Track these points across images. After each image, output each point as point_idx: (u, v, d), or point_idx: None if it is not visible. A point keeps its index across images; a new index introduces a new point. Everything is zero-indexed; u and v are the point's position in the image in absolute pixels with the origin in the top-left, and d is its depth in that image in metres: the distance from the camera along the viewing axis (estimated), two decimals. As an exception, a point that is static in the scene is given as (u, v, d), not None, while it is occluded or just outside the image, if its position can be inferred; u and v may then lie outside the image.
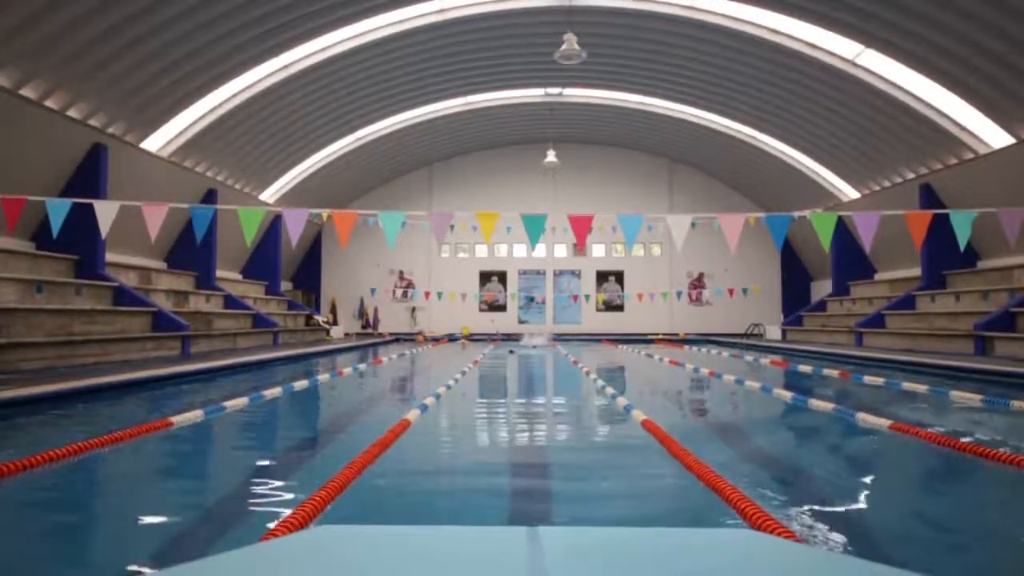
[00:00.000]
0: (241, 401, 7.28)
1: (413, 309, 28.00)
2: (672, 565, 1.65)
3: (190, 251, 17.38)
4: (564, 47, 13.66)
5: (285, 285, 26.03)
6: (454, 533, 2.05)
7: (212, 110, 16.53)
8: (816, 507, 3.64)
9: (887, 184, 19.66)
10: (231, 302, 18.56)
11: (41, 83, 11.89)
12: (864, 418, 6.22)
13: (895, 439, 5.61)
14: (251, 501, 3.85)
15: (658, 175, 28.25)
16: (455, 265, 28.52)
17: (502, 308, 28.31)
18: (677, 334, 26.71)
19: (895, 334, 17.02)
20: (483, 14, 16.39)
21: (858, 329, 18.44)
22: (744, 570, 1.64)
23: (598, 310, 28.23)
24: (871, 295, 20.81)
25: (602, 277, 28.51)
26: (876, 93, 16.36)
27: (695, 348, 20.71)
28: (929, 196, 17.63)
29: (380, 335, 25.99)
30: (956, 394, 7.97)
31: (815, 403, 7.42)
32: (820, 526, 3.29)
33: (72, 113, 12.91)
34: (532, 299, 28.26)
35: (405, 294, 27.77)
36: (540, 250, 27.59)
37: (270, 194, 22.41)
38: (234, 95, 16.54)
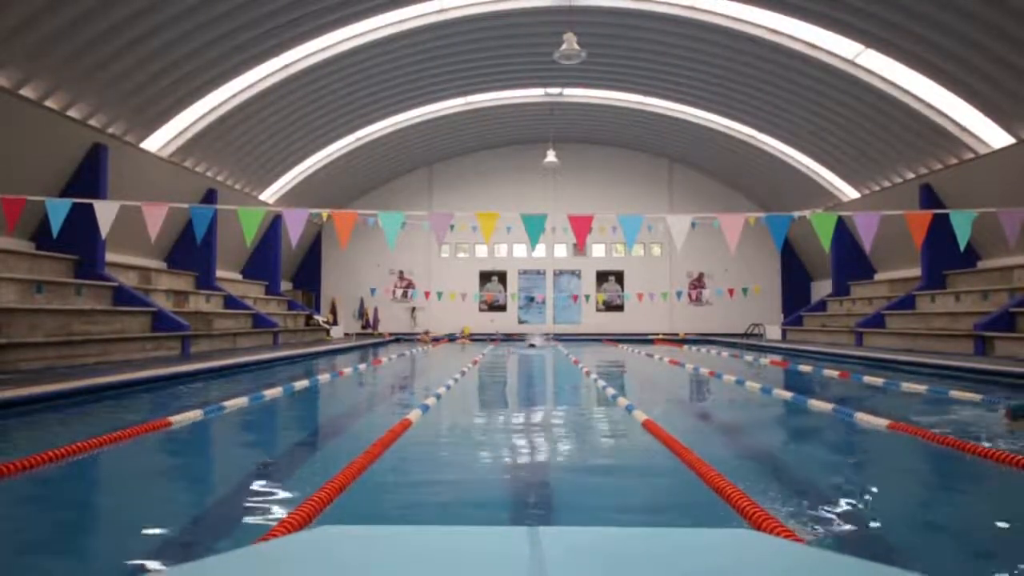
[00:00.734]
0: (241, 401, 7.28)
1: (413, 309, 28.00)
2: (672, 565, 1.65)
3: (190, 251, 17.38)
4: (564, 47, 13.66)
5: (285, 285, 26.03)
6: (454, 533, 2.05)
7: (212, 110, 16.53)
8: (816, 507, 3.64)
9: (887, 184, 19.66)
10: (231, 302, 18.56)
11: (41, 83, 11.89)
12: (863, 418, 6.22)
13: (894, 439, 5.61)
14: (251, 501, 3.85)
15: (658, 175, 28.25)
16: (455, 265, 28.52)
17: (502, 308, 28.31)
18: (677, 334, 26.71)
19: (895, 334, 17.02)
20: (483, 14, 16.39)
21: (858, 329, 18.44)
22: (744, 570, 1.64)
23: (598, 310, 28.23)
24: (871, 295, 20.81)
25: (602, 277, 28.51)
26: (876, 93, 16.36)
27: (695, 348, 20.72)
28: (929, 196, 17.63)
29: (380, 335, 25.99)
30: (956, 394, 7.97)
31: (815, 403, 7.42)
32: (820, 526, 3.29)
33: (72, 113, 12.91)
34: (532, 299, 28.26)
35: (405, 294, 27.77)
36: (540, 250, 27.58)
37: (270, 194, 22.41)
38: (234, 95, 16.54)
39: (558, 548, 1.74)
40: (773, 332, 23.99)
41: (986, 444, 4.99)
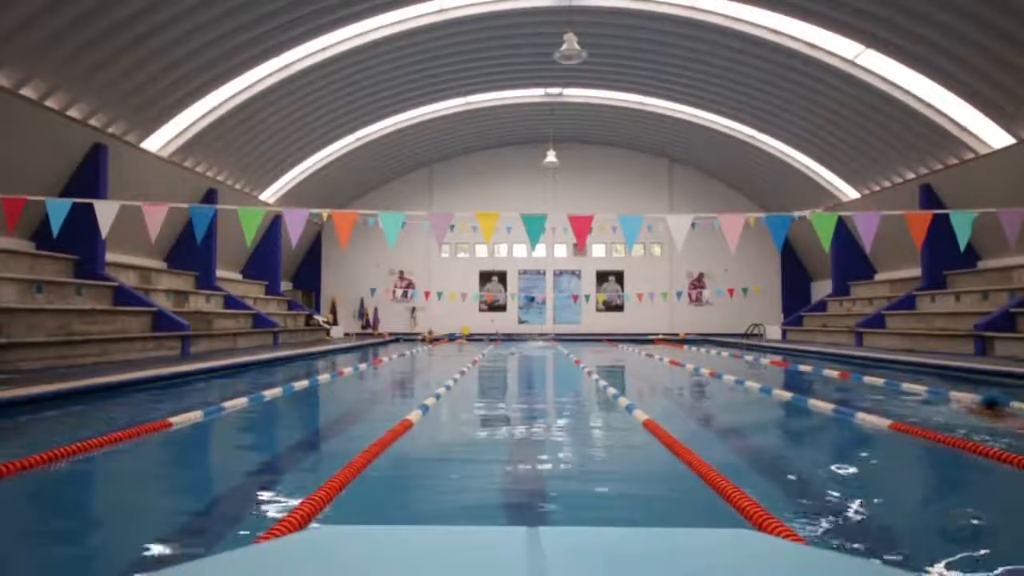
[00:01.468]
0: (241, 401, 7.28)
1: (413, 309, 28.00)
2: (672, 565, 1.65)
3: (190, 251, 17.38)
4: (564, 47, 13.66)
5: (285, 285, 26.03)
6: (454, 533, 2.05)
7: (212, 110, 16.54)
8: (816, 507, 3.64)
9: (887, 184, 19.66)
10: (231, 302, 18.56)
11: (41, 83, 11.89)
12: (864, 418, 6.22)
13: (895, 439, 5.61)
14: (250, 501, 3.85)
15: (658, 175, 28.26)
16: (455, 265, 28.52)
17: (502, 308, 28.31)
18: (677, 334, 26.71)
19: (895, 334, 17.01)
20: (483, 14, 16.39)
21: (858, 329, 18.44)
22: (744, 570, 1.64)
23: (598, 310, 28.23)
24: (871, 295, 20.81)
25: (602, 277, 28.51)
26: (876, 93, 16.36)
27: (695, 348, 20.71)
28: (929, 196, 17.62)
29: (380, 335, 25.99)
30: (956, 394, 7.97)
31: (815, 403, 7.42)
32: (820, 526, 3.29)
33: (72, 113, 12.91)
34: (532, 299, 28.26)
35: (405, 294, 27.78)
36: (540, 250, 27.60)
37: (270, 194, 22.41)
38: (234, 95, 16.55)
39: (558, 548, 1.73)
40: (773, 332, 23.99)
41: (986, 444, 4.99)
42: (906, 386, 9.02)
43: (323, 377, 10.93)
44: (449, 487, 4.27)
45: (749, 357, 15.92)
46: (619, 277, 28.44)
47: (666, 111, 22.65)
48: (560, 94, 22.81)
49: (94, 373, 9.24)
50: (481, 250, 28.47)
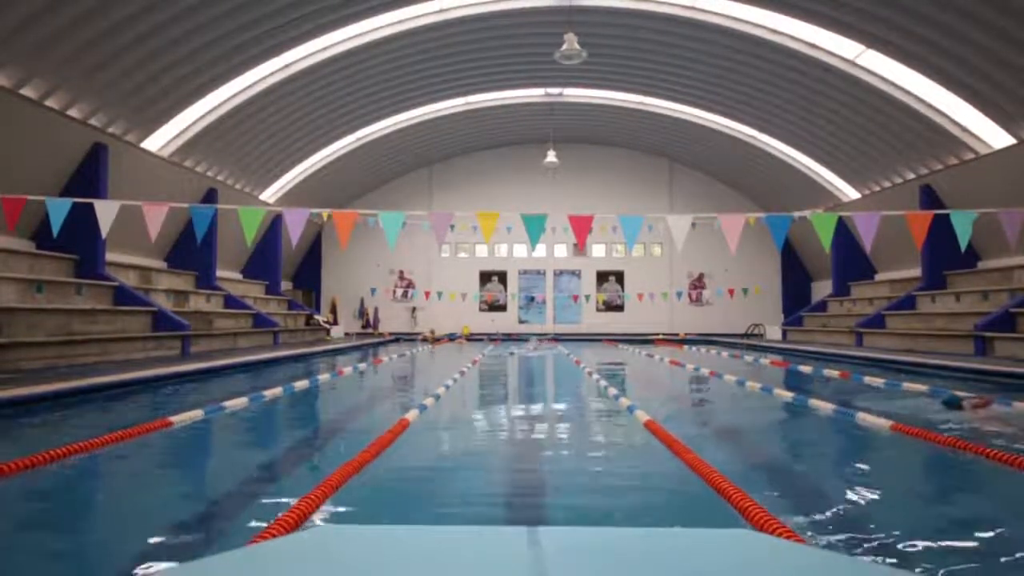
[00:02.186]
0: (241, 401, 7.28)
1: (413, 309, 28.00)
2: (672, 565, 1.65)
3: (190, 251, 17.38)
4: (564, 47, 13.66)
5: (285, 285, 26.03)
6: (454, 533, 2.05)
7: (212, 110, 16.54)
8: (817, 507, 3.64)
9: (887, 184, 19.65)
10: (231, 302, 18.56)
11: (41, 83, 11.89)
12: (864, 418, 6.22)
13: (895, 439, 5.60)
14: (250, 501, 3.85)
15: (658, 175, 28.25)
16: (455, 265, 28.52)
17: (502, 308, 28.32)
18: (677, 334, 26.71)
19: (895, 334, 17.01)
20: (483, 14, 16.39)
21: (858, 329, 18.43)
22: (744, 570, 1.64)
23: (598, 310, 28.23)
24: (871, 295, 20.81)
25: (602, 277, 28.51)
26: (876, 93, 16.36)
27: (695, 348, 20.71)
28: (929, 196, 17.62)
29: (380, 335, 25.99)
30: (956, 394, 7.96)
31: (815, 403, 7.41)
32: (821, 526, 3.29)
33: (72, 113, 12.91)
34: (532, 299, 28.26)
35: (405, 294, 27.78)
36: (540, 250, 27.59)
37: (270, 194, 22.41)
38: (234, 95, 16.55)
39: (558, 548, 1.73)
40: (773, 332, 23.98)
41: (987, 445, 4.99)
42: (907, 386, 9.02)
43: (323, 377, 10.94)
44: (448, 487, 4.27)
45: (749, 357, 15.92)
46: (619, 277, 28.44)
47: (666, 111, 22.65)
48: (560, 94, 22.81)
49: (94, 373, 9.24)
50: (481, 250, 28.47)
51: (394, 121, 22.45)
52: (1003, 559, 2.93)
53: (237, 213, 8.54)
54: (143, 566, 2.79)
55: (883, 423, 5.88)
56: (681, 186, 28.13)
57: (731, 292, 22.88)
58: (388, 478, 4.33)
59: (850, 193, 21.70)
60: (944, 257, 17.12)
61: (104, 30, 11.67)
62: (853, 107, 17.46)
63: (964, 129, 15.83)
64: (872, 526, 3.39)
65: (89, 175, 13.57)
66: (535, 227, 8.74)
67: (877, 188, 20.16)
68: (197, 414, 6.30)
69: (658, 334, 26.47)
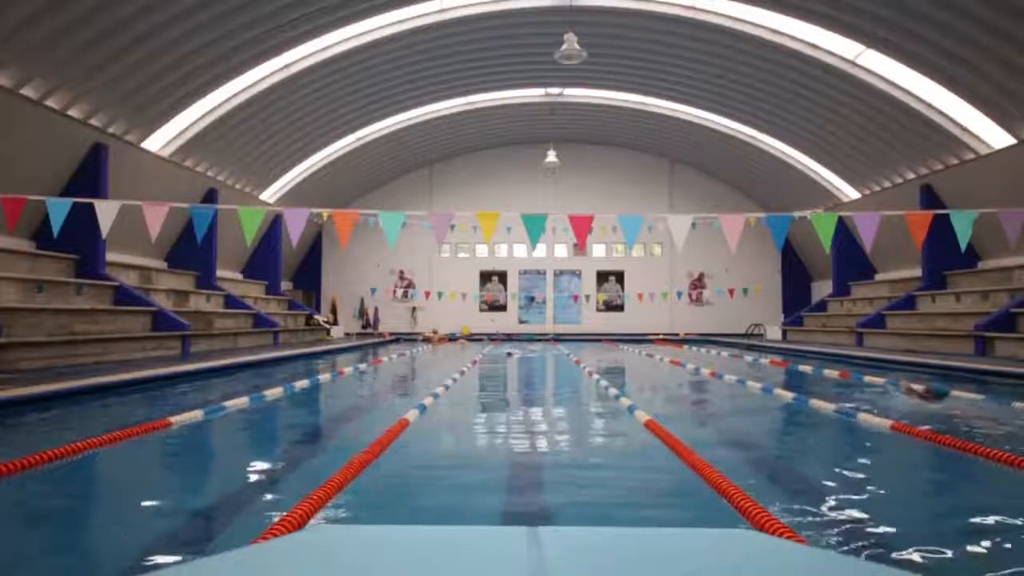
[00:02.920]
0: (241, 401, 7.28)
1: (413, 309, 28.01)
2: (672, 565, 1.65)
3: (190, 251, 17.38)
4: (564, 47, 13.66)
5: (285, 285, 26.04)
6: (454, 533, 2.05)
7: (212, 110, 16.54)
8: (817, 507, 3.64)
9: (887, 184, 19.66)
10: (231, 302, 18.56)
11: (41, 83, 11.89)
12: (864, 418, 6.22)
13: (896, 439, 5.61)
14: (250, 501, 3.85)
15: (658, 175, 28.26)
16: (455, 265, 28.52)
17: (502, 308, 28.32)
18: (677, 334, 26.71)
19: (896, 334, 17.01)
20: (483, 14, 16.39)
21: (859, 329, 18.44)
22: (744, 570, 1.64)
23: (598, 310, 28.23)
24: (871, 295, 20.81)
25: (602, 277, 28.52)
26: (876, 93, 16.36)
27: (695, 348, 20.70)
28: (929, 196, 17.62)
29: (380, 335, 25.99)
30: (956, 394, 7.97)
31: (815, 403, 7.42)
32: (821, 526, 3.29)
33: (72, 113, 12.92)
34: (532, 299, 28.27)
35: (405, 294, 27.78)
36: (540, 250, 27.59)
37: (270, 194, 22.42)
38: (234, 95, 16.55)
39: (558, 548, 1.74)
40: (773, 332, 23.99)
41: (987, 444, 4.99)
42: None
43: (323, 377, 10.94)
44: (448, 487, 4.27)
45: (749, 357, 15.92)
46: (619, 277, 28.45)
47: (666, 111, 22.65)
48: (560, 94, 22.81)
49: (94, 373, 9.24)
50: (481, 250, 28.47)
51: (394, 121, 22.45)
52: (1003, 559, 2.93)
53: (237, 213, 8.55)
54: (143, 566, 2.79)
55: (883, 422, 5.89)
56: (681, 186, 28.13)
57: (731, 292, 22.89)
58: (388, 478, 4.32)
59: (850, 193, 21.70)
60: (944, 257, 17.12)
61: (104, 30, 11.67)
62: (853, 107, 17.46)
63: (964, 129, 15.83)
64: (872, 526, 3.39)
65: (89, 175, 13.57)
66: (535, 227, 8.74)
67: (877, 188, 20.16)
68: (197, 414, 6.30)
69: (658, 334, 26.48)
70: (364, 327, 27.19)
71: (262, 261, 22.68)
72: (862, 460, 5.30)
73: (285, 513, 3.12)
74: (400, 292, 27.88)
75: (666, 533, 2.09)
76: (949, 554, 3.00)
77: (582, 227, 8.85)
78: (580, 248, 27.52)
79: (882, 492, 4.15)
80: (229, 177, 19.54)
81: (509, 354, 17.21)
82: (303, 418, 7.73)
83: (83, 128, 13.29)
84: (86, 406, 7.36)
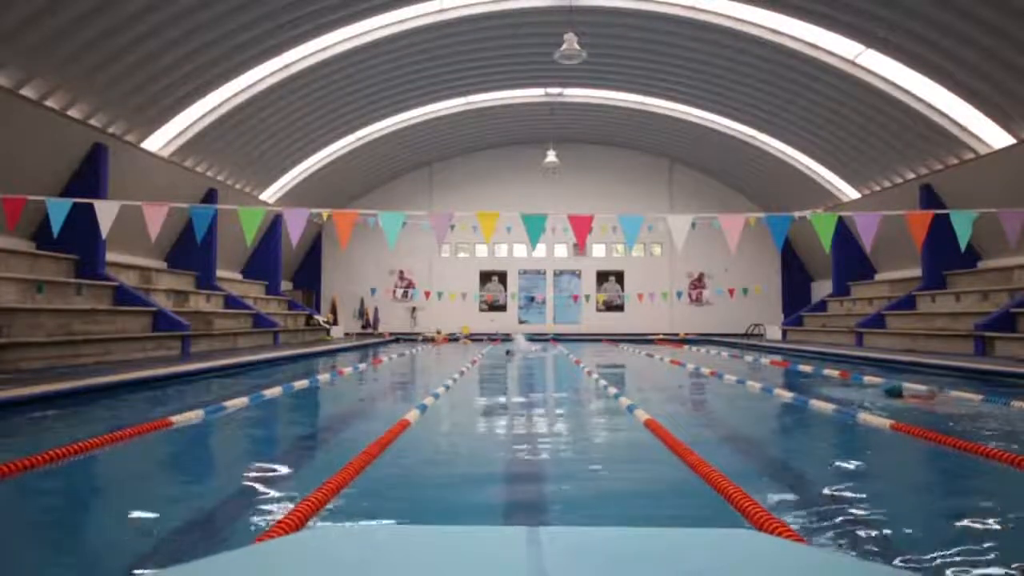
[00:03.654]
0: (241, 401, 7.28)
1: (413, 309, 28.01)
2: (672, 565, 1.65)
3: (190, 251, 17.38)
4: (564, 47, 13.66)
5: (285, 285, 26.04)
6: (454, 533, 2.05)
7: (212, 110, 16.54)
8: (817, 507, 3.64)
9: (887, 184, 19.66)
10: (231, 302, 18.56)
11: (41, 83, 11.89)
12: (865, 418, 6.22)
13: (896, 439, 5.61)
14: (250, 501, 3.85)
15: (658, 175, 28.26)
16: (455, 265, 28.52)
17: (502, 308, 28.32)
18: (677, 334, 26.71)
19: (895, 334, 17.02)
20: (483, 14, 16.40)
21: (858, 329, 18.44)
22: (744, 570, 1.64)
23: (598, 310, 28.23)
24: (871, 295, 20.81)
25: (602, 277, 28.52)
26: (876, 93, 16.36)
27: (695, 348, 20.70)
28: (929, 196, 17.63)
29: (380, 335, 25.99)
30: (956, 394, 7.97)
31: (815, 403, 7.42)
32: (820, 526, 3.29)
33: (72, 113, 12.92)
34: (532, 299, 28.27)
35: (405, 294, 27.78)
36: (540, 250, 27.59)
37: (270, 194, 22.42)
38: (234, 95, 16.55)
39: (558, 548, 1.73)
40: (773, 332, 23.99)
41: (987, 444, 4.99)
42: (906, 386, 9.01)
43: (323, 377, 10.94)
44: (448, 487, 4.27)
45: (749, 357, 15.92)
46: (619, 277, 28.45)
47: (666, 111, 22.65)
48: (560, 94, 22.81)
49: (94, 373, 9.24)
50: (481, 250, 28.47)
51: (394, 121, 22.45)
52: (1003, 559, 2.93)
53: (237, 213, 8.55)
54: (144, 566, 2.79)
55: (883, 422, 5.89)
56: (681, 186, 28.13)
57: (731, 292, 22.90)
58: (388, 478, 4.32)
59: (850, 193, 21.70)
60: (944, 257, 17.12)
61: (104, 30, 11.67)
62: (853, 107, 17.46)
63: (964, 129, 15.83)
64: (872, 526, 3.39)
65: (89, 175, 13.57)
66: (535, 227, 8.74)
67: (877, 188, 20.16)
68: (197, 414, 6.30)
69: (658, 334, 26.48)
70: (364, 327, 27.18)
71: (262, 261, 22.68)
72: (862, 460, 5.30)
73: (286, 514, 3.12)
74: (400, 292, 27.88)
75: (666, 533, 2.09)
76: (949, 554, 3.00)
77: (582, 227, 8.85)
78: (580, 248, 27.52)
79: (882, 492, 4.15)
80: (229, 177, 19.53)
81: (508, 352, 17.17)
82: (303, 418, 7.73)
83: (83, 128, 13.29)
84: (86, 406, 7.35)
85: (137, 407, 7.73)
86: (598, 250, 28.58)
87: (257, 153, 19.57)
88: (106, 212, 8.49)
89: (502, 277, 28.50)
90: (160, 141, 16.06)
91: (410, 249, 27.00)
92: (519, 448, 5.56)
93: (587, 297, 27.38)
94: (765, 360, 14.82)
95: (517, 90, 22.32)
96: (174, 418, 5.91)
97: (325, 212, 9.33)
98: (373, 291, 26.05)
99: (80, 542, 3.30)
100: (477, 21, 16.66)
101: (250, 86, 16.59)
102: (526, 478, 4.54)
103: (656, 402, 8.92)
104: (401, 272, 28.28)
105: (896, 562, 2.87)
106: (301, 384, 9.44)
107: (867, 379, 9.74)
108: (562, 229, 22.87)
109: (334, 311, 26.77)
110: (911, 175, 18.48)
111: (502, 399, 9.24)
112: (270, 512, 3.54)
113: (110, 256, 14.41)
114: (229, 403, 7.04)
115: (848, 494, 3.96)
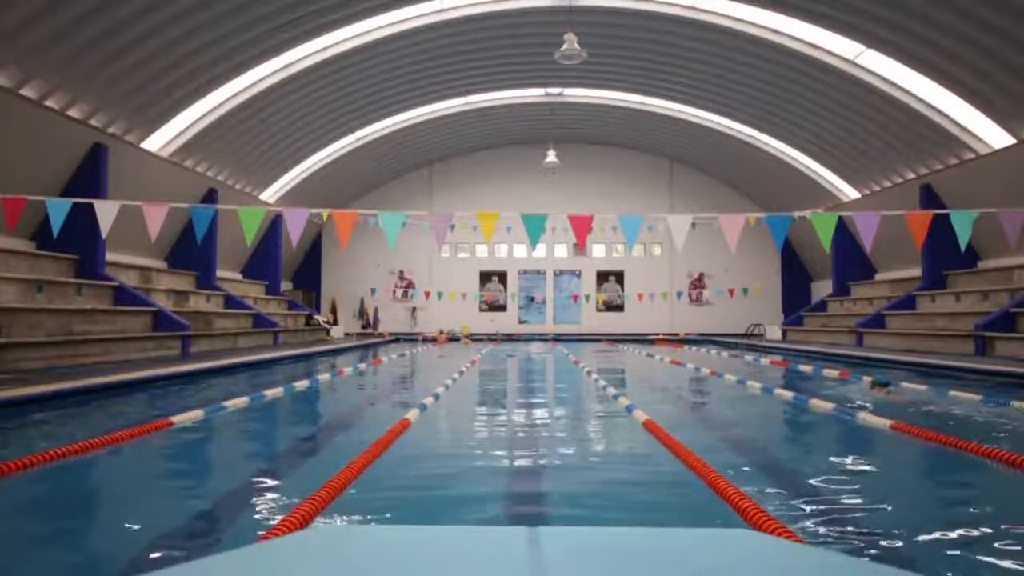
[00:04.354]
0: (241, 401, 7.28)
1: (413, 309, 28.01)
2: (672, 565, 1.65)
3: (190, 251, 17.39)
4: (564, 47, 13.66)
5: (285, 285, 26.04)
6: (454, 533, 2.05)
7: (212, 110, 16.54)
8: (817, 507, 3.64)
9: (887, 184, 19.66)
10: (231, 302, 18.56)
11: (41, 83, 11.90)
12: (865, 418, 6.22)
13: (896, 439, 5.61)
14: (251, 501, 3.85)
15: (658, 175, 28.26)
16: (455, 265, 28.52)
17: (502, 308, 28.32)
18: (677, 334, 26.72)
19: (895, 334, 17.01)
20: (483, 14, 16.40)
21: (858, 329, 18.44)
22: (744, 570, 1.64)
23: (598, 310, 28.24)
24: (871, 295, 20.81)
25: (602, 277, 28.52)
26: (876, 93, 16.36)
27: (695, 348, 20.70)
28: (929, 196, 17.63)
29: (380, 335, 25.99)
30: (956, 394, 7.98)
31: (815, 403, 7.42)
32: (820, 526, 3.29)
33: (72, 113, 12.92)
34: (532, 299, 28.27)
35: (405, 294, 27.78)
36: (540, 250, 27.60)
37: (270, 194, 22.42)
38: (234, 95, 16.55)
39: (558, 548, 1.74)
40: (773, 332, 23.99)
41: (987, 444, 4.99)
42: (906, 385, 9.03)
43: (323, 377, 10.94)
44: (448, 487, 4.27)
45: (749, 357, 15.92)
46: (619, 277, 28.45)
47: (666, 111, 22.65)
48: (560, 94, 22.81)
49: (94, 373, 9.24)
50: (481, 250, 28.48)
51: (394, 121, 22.45)
52: (1003, 559, 2.93)
53: (237, 213, 8.55)
54: (144, 566, 2.79)
55: (883, 422, 5.89)
56: (681, 186, 28.13)
57: (731, 292, 22.89)
58: (389, 477, 4.33)
59: (850, 193, 21.70)
60: (944, 257, 17.12)
61: (104, 30, 11.67)
62: (853, 107, 17.47)
63: (964, 129, 15.84)
64: (872, 526, 3.39)
65: (89, 175, 13.57)
66: (535, 227, 8.74)
67: (877, 188, 20.16)
68: (197, 414, 6.31)
69: (658, 334, 26.48)
70: (364, 327, 27.18)
71: (262, 261, 22.68)
72: (862, 460, 5.30)
73: (287, 514, 3.12)
74: (400, 292, 27.88)
75: (666, 533, 2.09)
76: (949, 554, 3.00)
77: (582, 227, 8.85)
78: (580, 248, 27.53)
79: (882, 492, 4.16)
80: (229, 177, 19.54)
81: (510, 356, 17.21)
82: (304, 418, 7.73)
83: (83, 128, 13.29)
84: (86, 406, 7.36)
85: (137, 407, 7.73)
86: (598, 250, 28.59)
87: (257, 153, 19.57)
88: (106, 212, 8.49)
89: (502, 277, 28.50)
90: (160, 141, 16.06)
91: (410, 249, 27.01)
92: (519, 448, 5.56)
93: (587, 297, 27.38)
94: (765, 360, 14.82)
95: (517, 90, 22.32)
96: (175, 418, 5.91)
97: (325, 212, 9.32)
98: (373, 291, 26.05)
99: (81, 542, 3.30)
100: (477, 21, 16.66)
101: (250, 86, 16.59)
102: (525, 478, 4.55)
103: (655, 402, 8.92)
104: (401, 272, 28.28)
105: (896, 562, 2.87)
106: (301, 384, 9.44)
107: (866, 379, 9.75)
108: (562, 229, 22.86)
109: (334, 311, 26.78)
110: (911, 175, 18.48)
111: (501, 401, 9.24)
112: (272, 511, 3.54)
113: (110, 256, 14.41)
114: (229, 403, 7.04)
115: (848, 494, 3.96)
